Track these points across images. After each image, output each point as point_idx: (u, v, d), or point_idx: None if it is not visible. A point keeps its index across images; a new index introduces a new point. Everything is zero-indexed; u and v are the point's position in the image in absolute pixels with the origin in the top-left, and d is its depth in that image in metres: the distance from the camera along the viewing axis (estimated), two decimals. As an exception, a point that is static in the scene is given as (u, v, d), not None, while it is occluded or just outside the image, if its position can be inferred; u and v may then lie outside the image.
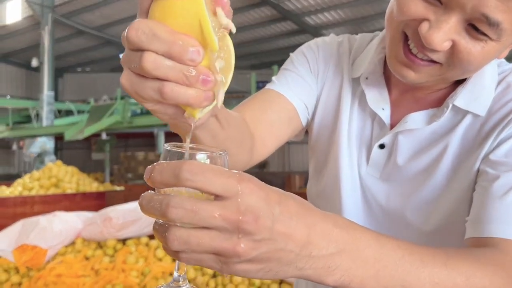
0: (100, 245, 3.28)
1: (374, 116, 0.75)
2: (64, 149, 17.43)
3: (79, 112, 11.46)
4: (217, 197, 0.36)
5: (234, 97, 14.47)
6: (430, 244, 0.54)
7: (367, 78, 0.74)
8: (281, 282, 2.73)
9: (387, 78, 0.75)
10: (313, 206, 0.42)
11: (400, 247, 0.45)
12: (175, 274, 0.44)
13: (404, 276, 0.44)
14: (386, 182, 0.74)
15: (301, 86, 0.78)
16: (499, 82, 0.68)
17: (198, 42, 0.36)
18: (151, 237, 3.28)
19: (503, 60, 0.71)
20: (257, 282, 2.70)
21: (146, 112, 8.60)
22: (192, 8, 0.35)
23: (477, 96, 0.67)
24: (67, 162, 6.00)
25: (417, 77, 0.63)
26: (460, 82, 0.69)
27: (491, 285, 0.49)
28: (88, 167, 13.76)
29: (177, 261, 0.43)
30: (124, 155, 11.98)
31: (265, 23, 12.71)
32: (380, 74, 0.74)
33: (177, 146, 0.39)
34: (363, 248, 0.43)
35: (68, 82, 18.22)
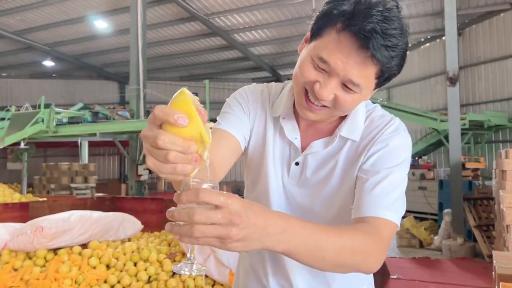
0: (29, 255, 3.23)
1: (290, 143, 1.08)
2: (-27, 158, 16.10)
3: (-6, 119, 10.75)
4: (217, 206, 0.64)
5: (162, 108, 14.40)
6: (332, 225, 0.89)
7: (283, 118, 1.08)
8: (213, 284, 2.95)
9: (296, 116, 1.08)
10: (266, 208, 0.73)
11: (315, 226, 0.78)
12: (189, 255, 0.72)
13: (319, 243, 0.77)
14: (301, 187, 1.07)
15: (239, 124, 1.08)
16: (366, 118, 1.05)
17: (194, 143, 0.67)
18: (84, 246, 3.30)
19: (369, 101, 1.09)
20: (191, 285, 2.89)
21: (71, 122, 8.38)
22: (196, 129, 0.67)
23: (354, 128, 1.03)
24: (-22, 172, 5.68)
25: (315, 116, 0.98)
26: (343, 118, 1.05)
27: (364, 244, 0.84)
28: (1, 177, 12.86)
29: (190, 246, 0.71)
30: (46, 165, 11.39)
31: (194, 37, 12.90)
32: (292, 114, 1.08)
33: (190, 181, 0.70)
34: (295, 229, 0.74)
35: (-20, 87, 16.94)
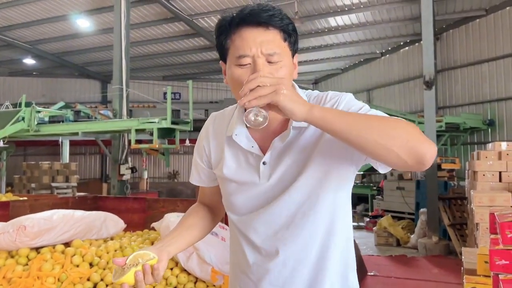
0: (11, 254, 3.25)
1: (250, 153, 1.18)
2: (-51, 157, 15.74)
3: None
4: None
5: (145, 107, 14.39)
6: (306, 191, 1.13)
7: (236, 135, 1.18)
8: (195, 281, 3.03)
9: (250, 128, 1.19)
10: None
11: (351, 115, 1.01)
12: (255, 109, 0.98)
13: (356, 116, 1.00)
14: (274, 182, 1.17)
15: (205, 172, 1.33)
16: (308, 100, 1.19)
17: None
18: (67, 244, 3.34)
19: (309, 90, 1.24)
20: (173, 282, 2.97)
21: (53, 120, 8.33)
22: (129, 277, 1.07)
23: None
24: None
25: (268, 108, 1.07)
26: None
27: (406, 124, 0.99)
28: (-22, 177, 12.64)
29: (254, 108, 0.98)
30: (26, 164, 11.25)
31: (178, 37, 12.91)
32: (244, 128, 1.19)
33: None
34: (330, 109, 1.01)
35: (-43, 84, 16.57)
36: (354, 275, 1.22)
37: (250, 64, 1.08)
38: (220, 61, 1.20)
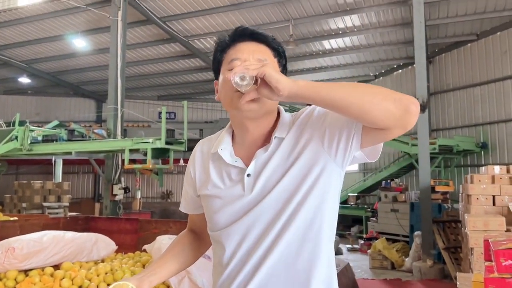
0: (-2, 277, 3.19)
1: (234, 167, 1.22)
2: None
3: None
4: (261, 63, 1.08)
5: (140, 126, 14.38)
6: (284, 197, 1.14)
7: (222, 149, 1.23)
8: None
9: (235, 146, 1.25)
10: None
11: (333, 83, 1.04)
12: (244, 74, 1.03)
13: (342, 84, 1.04)
14: (257, 191, 1.18)
15: (192, 199, 1.36)
16: (293, 118, 1.24)
17: None
18: (56, 267, 3.28)
19: (294, 112, 1.28)
20: (163, 306, 2.91)
21: (46, 139, 8.29)
22: None
23: (283, 129, 1.20)
24: None
25: (256, 106, 1.13)
26: (276, 124, 1.22)
27: (386, 91, 1.05)
28: (-32, 196, 12.48)
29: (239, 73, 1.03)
30: (18, 183, 11.12)
31: (174, 58, 13.02)
32: (230, 145, 1.25)
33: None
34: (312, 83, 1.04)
35: (-49, 102, 16.51)
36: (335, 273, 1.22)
37: None
38: (214, 81, 1.26)
